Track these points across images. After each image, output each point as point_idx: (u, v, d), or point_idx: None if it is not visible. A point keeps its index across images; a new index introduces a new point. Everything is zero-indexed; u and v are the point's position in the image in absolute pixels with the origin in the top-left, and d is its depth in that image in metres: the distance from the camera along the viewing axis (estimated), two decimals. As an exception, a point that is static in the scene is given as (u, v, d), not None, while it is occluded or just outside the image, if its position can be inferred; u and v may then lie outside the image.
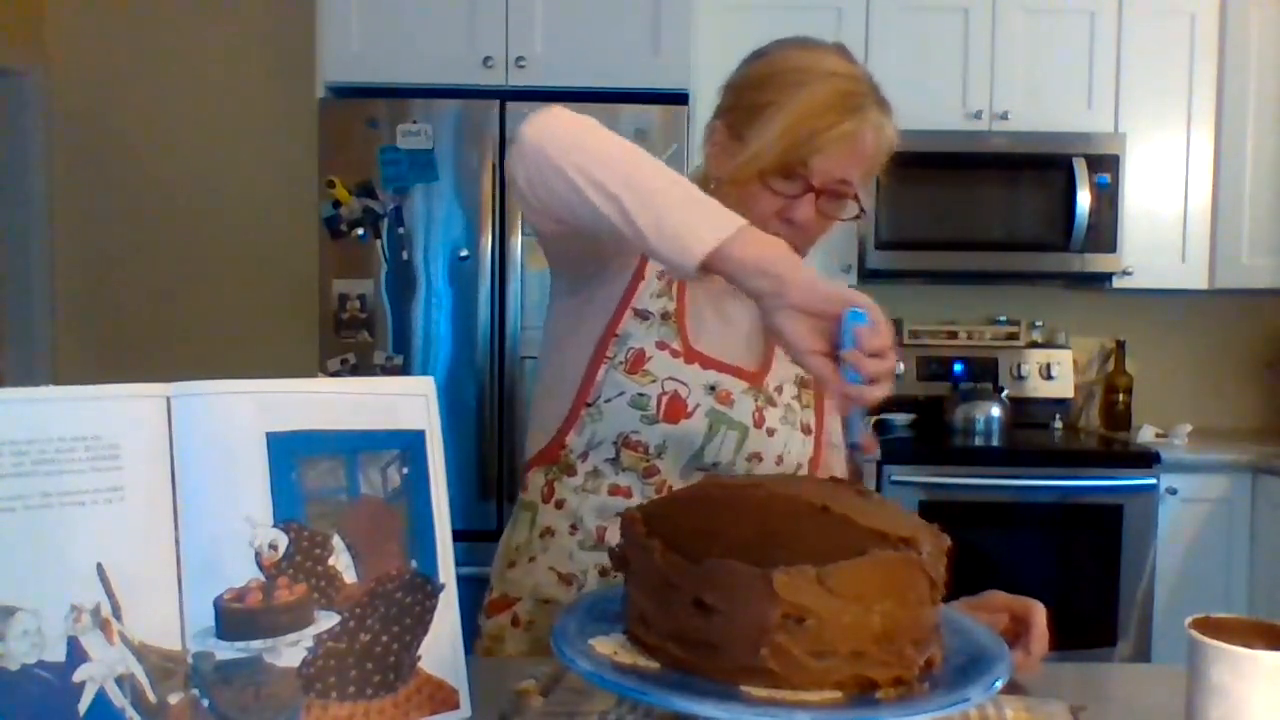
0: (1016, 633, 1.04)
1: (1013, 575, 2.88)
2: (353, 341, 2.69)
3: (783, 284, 0.86)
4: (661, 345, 1.16)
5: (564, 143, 0.95)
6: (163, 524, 0.78)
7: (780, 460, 1.20)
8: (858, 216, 1.19)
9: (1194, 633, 0.83)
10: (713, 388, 1.16)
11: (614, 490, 1.17)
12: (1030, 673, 1.02)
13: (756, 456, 1.18)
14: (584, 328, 1.18)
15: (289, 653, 0.81)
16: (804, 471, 1.23)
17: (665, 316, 1.18)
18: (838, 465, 1.31)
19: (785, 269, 0.86)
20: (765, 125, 1.12)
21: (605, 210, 0.92)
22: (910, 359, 3.43)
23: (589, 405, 1.16)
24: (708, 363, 1.17)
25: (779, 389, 1.22)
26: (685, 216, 0.89)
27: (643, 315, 1.18)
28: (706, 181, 1.20)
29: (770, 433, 1.19)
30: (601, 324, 1.17)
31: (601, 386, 1.16)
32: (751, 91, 1.17)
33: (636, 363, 1.15)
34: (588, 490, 1.18)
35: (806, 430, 1.24)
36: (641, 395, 1.14)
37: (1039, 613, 1.04)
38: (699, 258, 0.87)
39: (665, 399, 1.14)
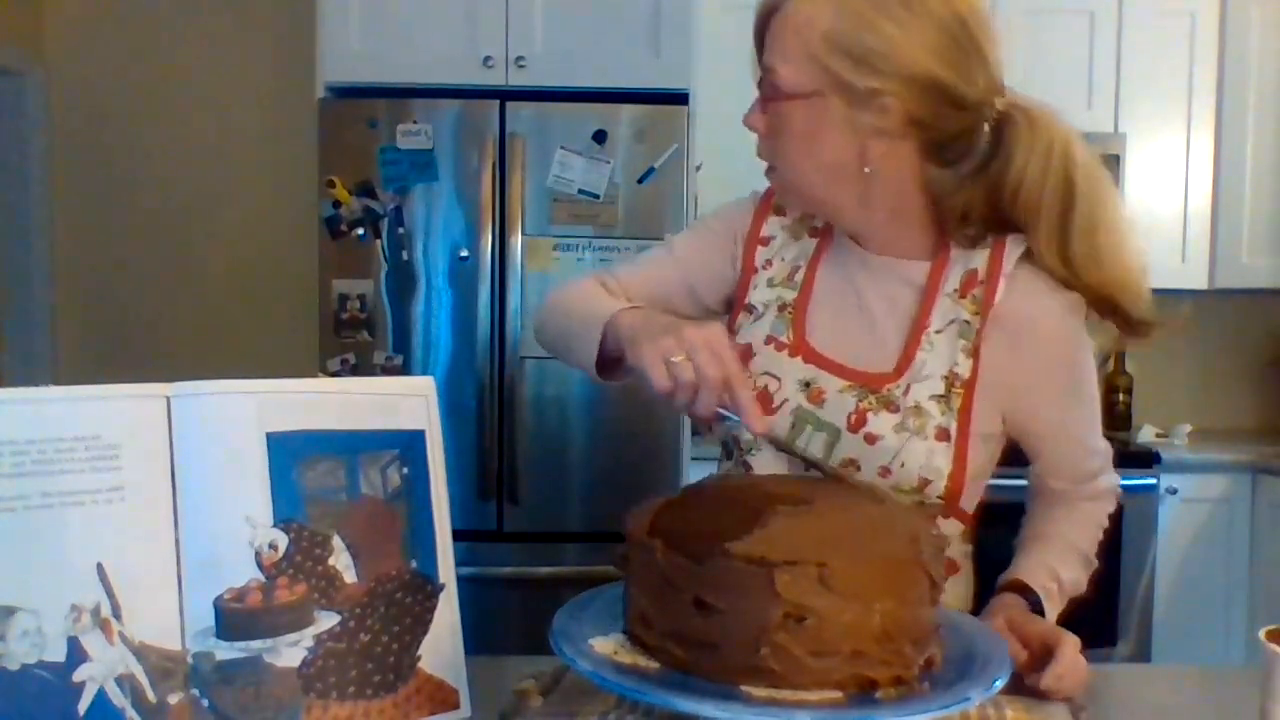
0: (1041, 658, 0.96)
1: (1013, 575, 2.85)
2: (353, 341, 2.69)
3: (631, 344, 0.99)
4: (769, 340, 1.13)
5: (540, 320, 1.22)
6: (163, 524, 0.78)
7: (888, 471, 1.05)
8: (783, 99, 1.04)
9: (1270, 645, 0.82)
10: (807, 384, 1.10)
11: None
12: (1059, 692, 0.94)
13: (851, 463, 1.06)
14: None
15: (289, 653, 0.81)
16: (937, 486, 1.06)
17: (782, 308, 1.14)
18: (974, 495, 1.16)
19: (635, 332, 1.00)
20: None
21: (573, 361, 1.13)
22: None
23: None
24: (813, 357, 1.11)
25: (907, 391, 1.07)
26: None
27: (751, 310, 1.17)
28: None
29: (870, 439, 1.06)
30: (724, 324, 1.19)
31: None
32: None
33: (742, 360, 1.10)
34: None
35: (942, 436, 1.06)
36: None
37: (1067, 644, 0.95)
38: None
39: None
